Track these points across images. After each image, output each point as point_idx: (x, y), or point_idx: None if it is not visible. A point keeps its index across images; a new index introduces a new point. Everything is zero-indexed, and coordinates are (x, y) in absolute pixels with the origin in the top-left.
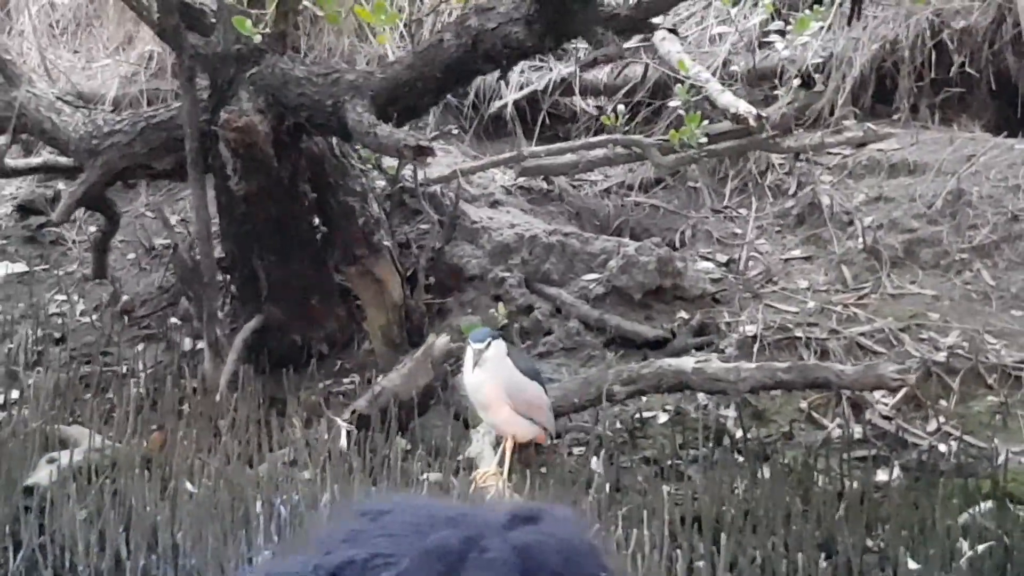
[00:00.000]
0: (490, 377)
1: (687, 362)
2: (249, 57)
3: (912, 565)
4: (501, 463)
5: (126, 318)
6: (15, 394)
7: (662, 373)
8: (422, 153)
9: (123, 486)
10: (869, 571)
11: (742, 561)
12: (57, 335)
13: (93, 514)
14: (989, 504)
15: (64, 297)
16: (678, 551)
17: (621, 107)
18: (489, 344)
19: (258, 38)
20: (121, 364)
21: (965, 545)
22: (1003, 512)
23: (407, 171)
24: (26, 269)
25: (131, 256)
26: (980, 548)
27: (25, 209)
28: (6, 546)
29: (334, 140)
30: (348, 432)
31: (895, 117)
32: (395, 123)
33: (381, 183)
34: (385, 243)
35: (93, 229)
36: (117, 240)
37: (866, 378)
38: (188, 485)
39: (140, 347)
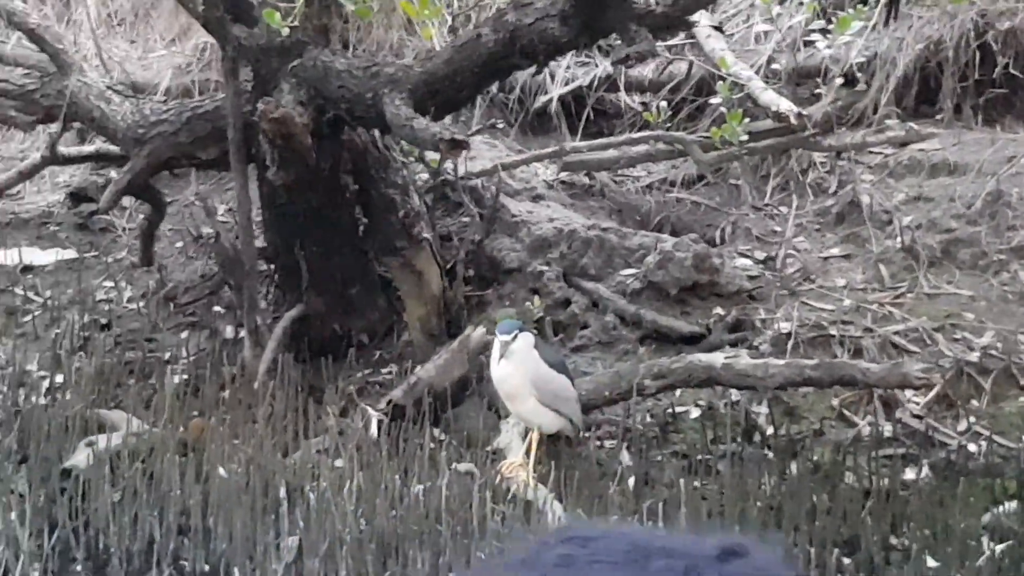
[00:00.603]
0: (516, 369)
1: (717, 358)
2: (292, 49)
3: (931, 563)
4: (527, 454)
5: (171, 305)
6: (59, 378)
7: (692, 368)
8: (457, 146)
9: (158, 470)
10: (891, 569)
11: None
12: (103, 321)
13: (127, 497)
14: (1014, 504)
15: (112, 284)
16: None
17: (664, 104)
18: (516, 336)
19: (286, 31)
20: (164, 351)
21: (986, 544)
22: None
23: (449, 164)
24: (76, 256)
25: (179, 244)
26: (999, 548)
27: (77, 196)
28: (41, 528)
29: (376, 133)
30: (379, 421)
31: (938, 117)
32: (433, 116)
33: (424, 176)
34: (425, 235)
35: (142, 217)
36: (166, 228)
37: (891, 376)
38: (221, 471)
39: (184, 334)
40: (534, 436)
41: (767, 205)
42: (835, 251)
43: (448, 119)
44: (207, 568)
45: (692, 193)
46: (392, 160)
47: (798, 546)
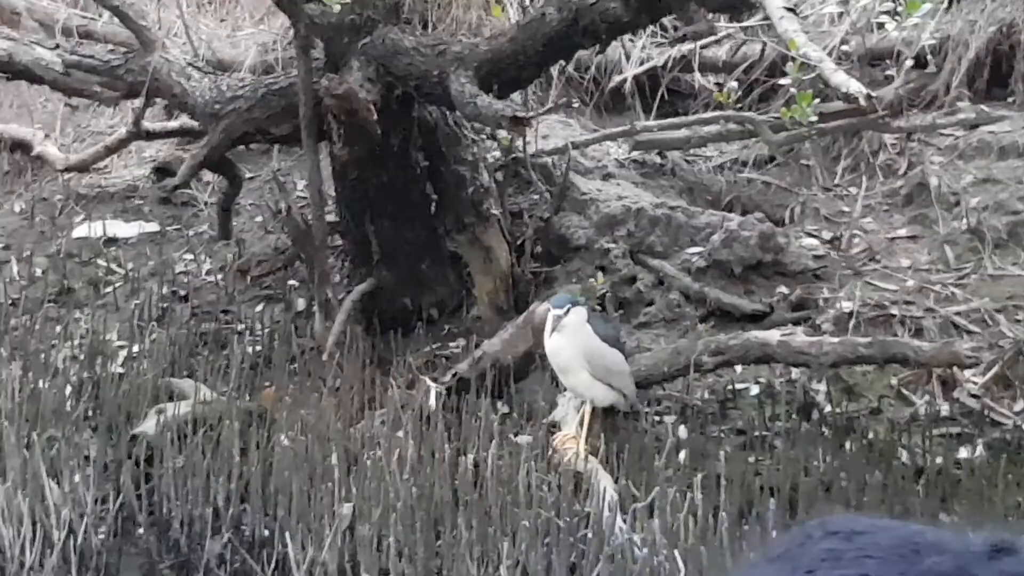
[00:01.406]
0: (569, 342)
1: (773, 335)
2: (362, 27)
3: None
4: (580, 426)
5: (248, 278)
6: (136, 348)
7: (749, 345)
8: (519, 124)
9: (224, 438)
10: None
11: None
12: (182, 293)
13: (192, 464)
14: None
15: (191, 257)
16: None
17: (735, 84)
18: (568, 310)
19: (341, 7)
20: (240, 322)
21: None
22: None
23: (519, 143)
24: (158, 229)
25: (259, 219)
26: None
27: (162, 171)
28: (106, 494)
29: (447, 111)
30: (438, 393)
31: (1010, 100)
32: (498, 94)
33: (496, 154)
34: (494, 212)
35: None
36: (247, 203)
37: (942, 355)
38: (283, 439)
39: (260, 307)
40: (587, 409)
41: (836, 186)
42: (902, 232)
43: (518, 97)
44: (266, 534)
45: (763, 173)
46: (463, 137)
47: None
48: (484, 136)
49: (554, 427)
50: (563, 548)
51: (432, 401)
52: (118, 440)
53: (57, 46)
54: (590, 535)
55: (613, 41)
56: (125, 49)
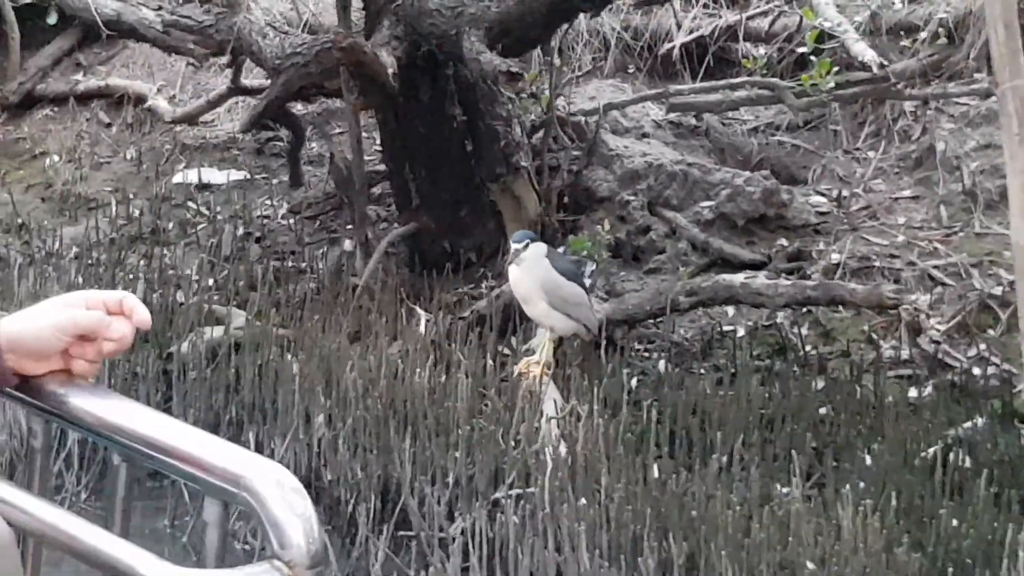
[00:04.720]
0: (527, 274)
1: (737, 278)
2: None
3: (868, 461)
4: (544, 353)
5: (316, 221)
6: (210, 281)
7: (718, 287)
8: (513, 78)
9: (246, 361)
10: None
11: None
12: (258, 234)
13: (216, 378)
14: (982, 420)
15: (271, 202)
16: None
17: (768, 52)
18: (527, 245)
19: None
20: (303, 261)
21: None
22: (995, 427)
23: (561, 102)
24: (243, 176)
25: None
26: (931, 450)
27: (261, 125)
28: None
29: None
30: (427, 321)
31: None
32: (511, 53)
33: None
34: (523, 164)
35: (312, 146)
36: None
37: (871, 296)
38: (288, 359)
39: (324, 248)
40: (547, 336)
41: (856, 149)
42: (906, 192)
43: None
44: (262, 437)
45: (795, 137)
46: (499, 94)
47: (769, 444)
48: (525, 95)
49: (529, 352)
50: (489, 452)
51: (422, 327)
52: (161, 357)
53: (160, 7)
54: (522, 442)
55: (607, 6)
56: (218, 10)
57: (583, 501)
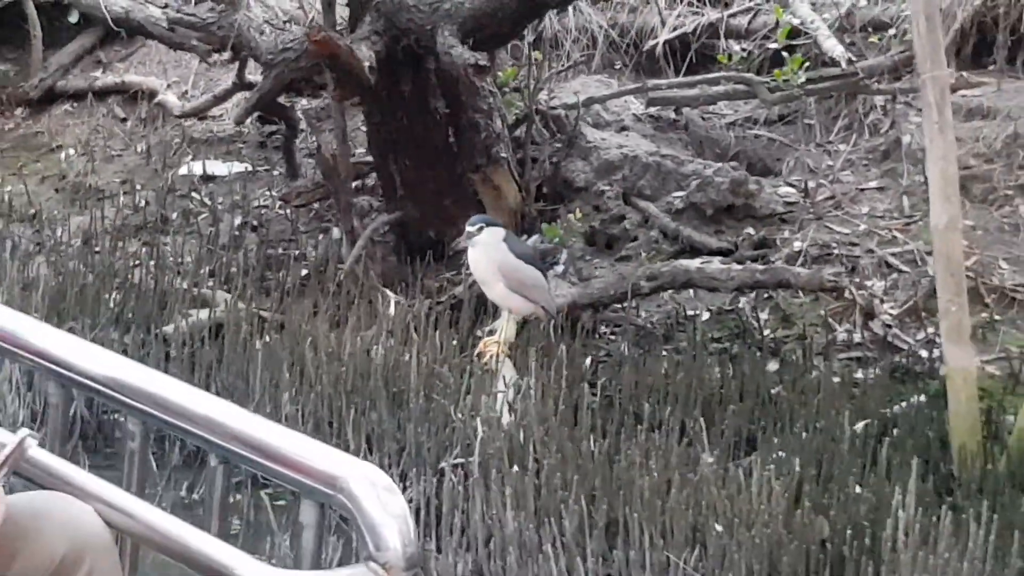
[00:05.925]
0: (484, 257)
1: (694, 263)
2: None
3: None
4: (503, 332)
5: (311, 211)
6: (205, 269)
7: (676, 272)
8: (480, 71)
9: (228, 341)
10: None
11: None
12: (255, 223)
13: (200, 357)
14: (918, 398)
15: (270, 192)
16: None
17: (738, 48)
18: (481, 229)
19: None
20: (297, 249)
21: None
22: (930, 404)
23: (542, 96)
24: (244, 168)
25: None
26: (859, 425)
27: (264, 119)
28: None
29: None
30: (396, 302)
31: (991, 68)
32: (484, 47)
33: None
34: (503, 155)
35: (313, 139)
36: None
37: (813, 280)
38: (265, 339)
39: (320, 236)
40: (504, 316)
41: (829, 142)
42: (872, 184)
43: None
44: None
45: (771, 130)
46: (480, 88)
47: (714, 420)
48: (507, 89)
49: (490, 333)
50: (438, 425)
51: (392, 309)
52: (149, 336)
53: (166, 5)
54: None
55: (572, 3)
56: (220, 8)
57: (516, 469)
